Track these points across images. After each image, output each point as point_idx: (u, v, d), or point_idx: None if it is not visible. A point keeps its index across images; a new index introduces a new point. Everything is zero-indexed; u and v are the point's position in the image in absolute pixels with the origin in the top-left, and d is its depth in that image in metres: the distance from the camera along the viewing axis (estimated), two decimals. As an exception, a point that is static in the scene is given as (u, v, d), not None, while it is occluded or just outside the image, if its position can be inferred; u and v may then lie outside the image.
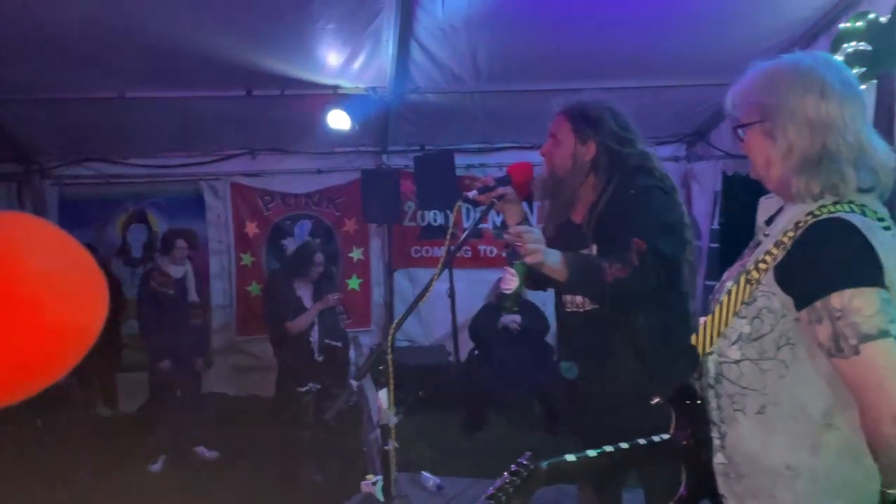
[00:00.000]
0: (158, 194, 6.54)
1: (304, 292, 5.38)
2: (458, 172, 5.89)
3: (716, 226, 6.22)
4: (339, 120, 5.22)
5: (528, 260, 2.12)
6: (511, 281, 2.16)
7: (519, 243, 2.13)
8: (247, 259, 6.59)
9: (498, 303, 2.34)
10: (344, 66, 4.82)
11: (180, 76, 4.84)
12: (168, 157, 6.31)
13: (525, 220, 2.49)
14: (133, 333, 5.89)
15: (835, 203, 1.43)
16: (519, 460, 1.49)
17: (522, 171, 2.42)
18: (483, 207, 2.49)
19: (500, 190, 2.40)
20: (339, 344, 5.34)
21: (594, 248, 2.30)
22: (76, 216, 6.25)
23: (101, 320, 1.32)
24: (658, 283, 2.19)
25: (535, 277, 2.30)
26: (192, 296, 5.37)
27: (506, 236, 2.20)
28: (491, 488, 1.44)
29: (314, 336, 5.30)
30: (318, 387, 5.00)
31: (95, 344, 1.31)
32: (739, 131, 1.59)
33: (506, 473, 1.47)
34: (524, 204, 2.53)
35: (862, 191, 1.46)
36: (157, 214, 6.60)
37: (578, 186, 2.39)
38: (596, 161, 2.36)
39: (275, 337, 5.50)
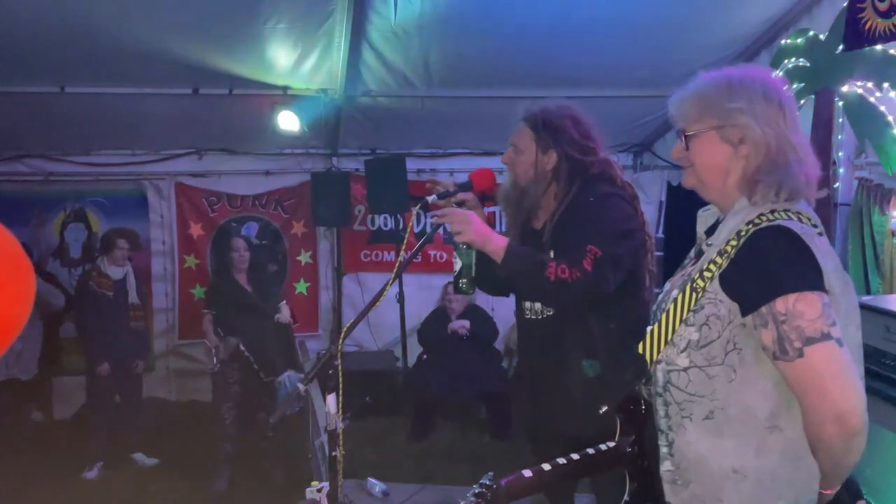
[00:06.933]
0: (99, 193, 6.34)
1: None
2: (410, 177, 5.89)
3: (660, 234, 6.36)
4: (288, 121, 5.16)
5: (456, 239, 2.22)
6: (455, 262, 2.29)
7: (446, 223, 2.21)
8: (191, 261, 6.45)
9: (455, 287, 2.39)
10: (294, 67, 4.77)
11: (124, 71, 4.70)
12: (110, 155, 6.14)
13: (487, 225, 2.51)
14: (70, 336, 5.70)
15: (772, 211, 1.49)
16: (481, 481, 1.46)
17: (484, 177, 2.42)
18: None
19: (461, 195, 2.40)
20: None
21: (551, 254, 2.30)
22: (13, 214, 6.00)
23: (27, 310, 1.26)
24: (609, 290, 2.19)
25: (494, 279, 2.37)
26: (133, 297, 5.24)
27: (433, 218, 2.26)
28: None
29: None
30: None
31: (30, 346, 1.27)
32: (686, 139, 1.61)
33: (470, 496, 1.44)
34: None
35: (798, 196, 1.52)
36: (97, 214, 6.40)
37: (540, 195, 2.40)
38: (557, 170, 2.36)
39: None
